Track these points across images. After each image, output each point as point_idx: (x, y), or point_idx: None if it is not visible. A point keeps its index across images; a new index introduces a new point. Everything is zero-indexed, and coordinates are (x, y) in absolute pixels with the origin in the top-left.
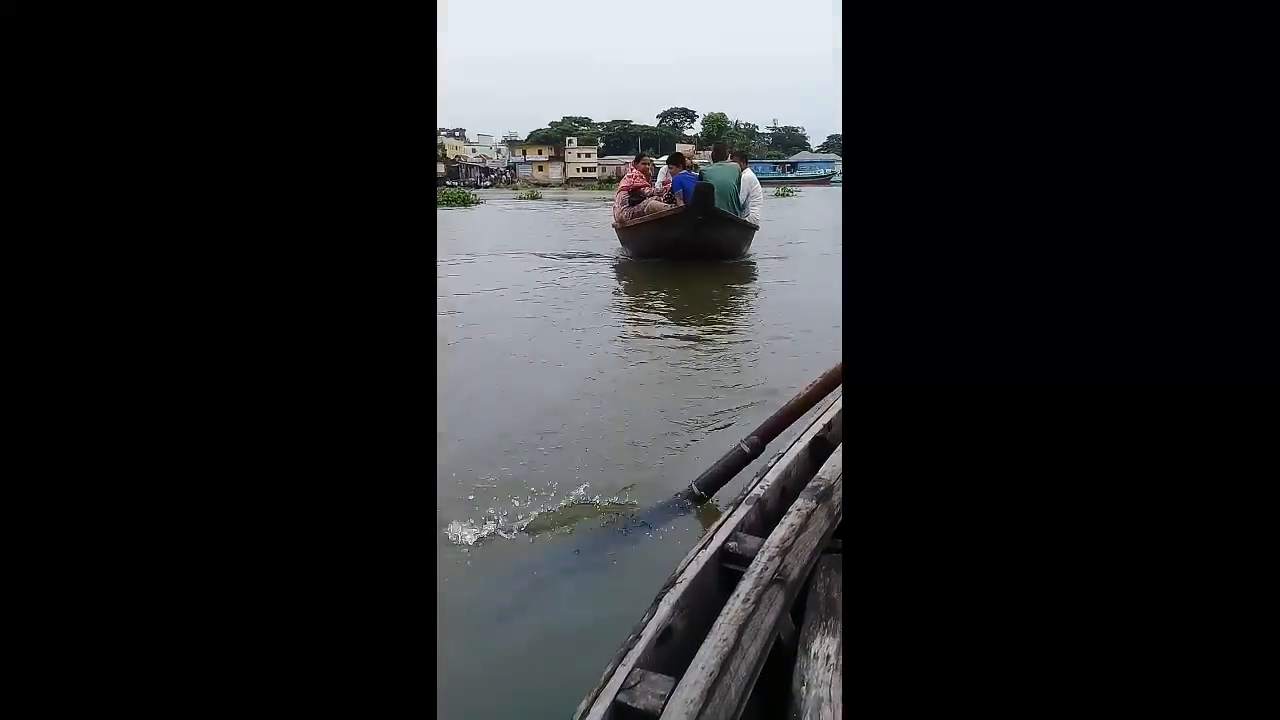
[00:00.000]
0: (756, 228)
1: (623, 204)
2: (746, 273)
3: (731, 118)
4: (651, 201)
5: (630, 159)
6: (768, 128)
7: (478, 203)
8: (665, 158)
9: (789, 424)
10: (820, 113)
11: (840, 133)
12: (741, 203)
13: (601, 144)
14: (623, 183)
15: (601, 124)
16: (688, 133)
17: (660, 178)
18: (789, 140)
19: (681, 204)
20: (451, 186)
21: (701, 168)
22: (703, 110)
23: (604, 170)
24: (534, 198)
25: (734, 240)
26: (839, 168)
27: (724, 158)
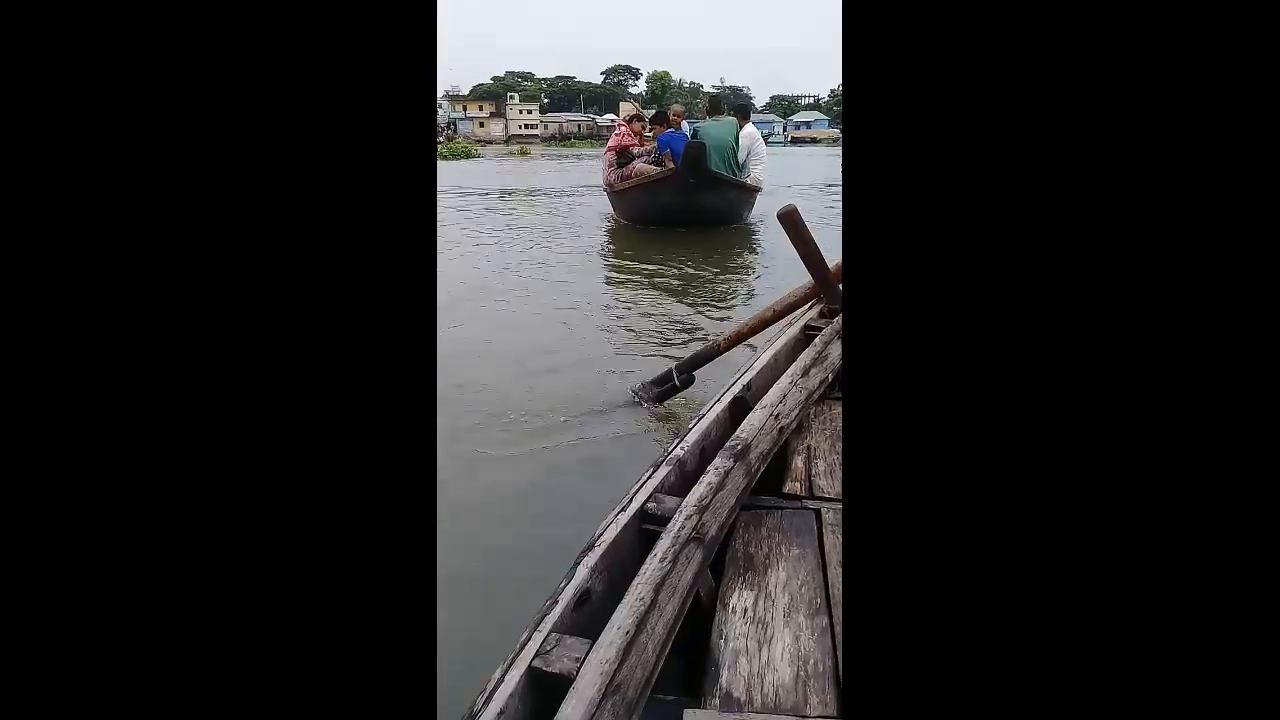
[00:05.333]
0: (759, 189)
1: (610, 165)
2: (744, 243)
3: (676, 76)
4: (639, 164)
5: (620, 116)
6: (713, 86)
7: (479, 156)
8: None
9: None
10: (766, 73)
11: (782, 93)
12: (741, 162)
13: (545, 100)
14: (610, 142)
15: (545, 80)
16: (632, 90)
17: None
18: (734, 99)
19: (671, 165)
20: None
21: (695, 125)
22: (647, 68)
23: (546, 128)
24: (524, 154)
25: (733, 204)
26: (777, 129)
27: (720, 112)
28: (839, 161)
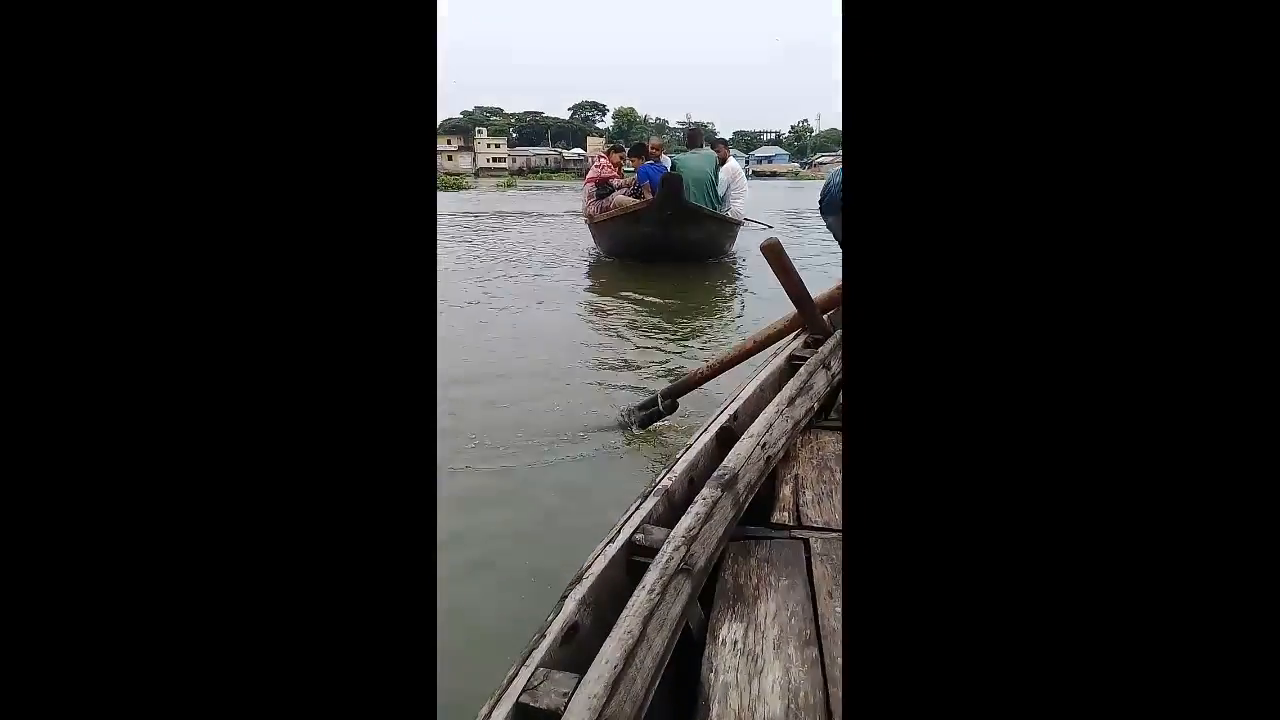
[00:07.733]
0: (740, 223)
1: (590, 197)
2: (723, 278)
3: (641, 112)
4: (618, 196)
5: (604, 150)
6: (679, 122)
7: (470, 188)
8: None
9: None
10: (729, 111)
11: (744, 129)
12: (721, 195)
13: (514, 135)
14: (590, 174)
15: (514, 115)
16: (599, 125)
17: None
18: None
19: (650, 197)
20: None
21: (675, 157)
22: (613, 104)
23: (514, 161)
24: (510, 185)
25: (714, 237)
26: (740, 163)
27: (699, 145)
28: (799, 194)
